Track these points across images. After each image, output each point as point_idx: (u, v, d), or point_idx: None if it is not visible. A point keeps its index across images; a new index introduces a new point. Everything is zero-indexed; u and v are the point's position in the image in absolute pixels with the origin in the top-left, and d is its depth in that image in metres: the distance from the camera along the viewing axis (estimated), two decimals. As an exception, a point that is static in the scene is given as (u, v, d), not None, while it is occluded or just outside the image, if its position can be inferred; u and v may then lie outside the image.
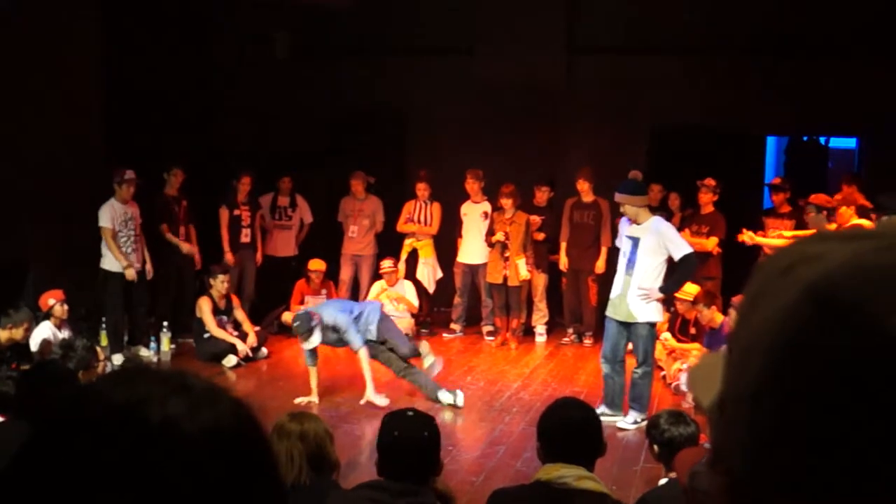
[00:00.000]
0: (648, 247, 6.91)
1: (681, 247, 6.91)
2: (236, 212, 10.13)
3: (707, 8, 10.71)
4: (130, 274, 8.69)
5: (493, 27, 11.08)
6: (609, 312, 7.20)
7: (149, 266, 9.11)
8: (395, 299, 10.16)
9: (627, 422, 7.09)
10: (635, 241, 6.98)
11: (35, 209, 8.36)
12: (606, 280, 9.01)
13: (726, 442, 0.65)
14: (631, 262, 6.99)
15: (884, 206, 7.28)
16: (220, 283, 9.18)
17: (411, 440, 3.11)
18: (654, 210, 10.22)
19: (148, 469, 0.70)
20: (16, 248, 8.27)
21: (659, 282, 6.95)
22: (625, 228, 7.16)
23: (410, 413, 3.29)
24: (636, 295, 6.93)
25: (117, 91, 9.21)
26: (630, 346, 7.25)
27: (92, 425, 0.72)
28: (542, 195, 10.21)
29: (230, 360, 8.84)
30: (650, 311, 6.99)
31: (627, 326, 7.07)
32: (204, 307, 9.12)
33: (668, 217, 10.28)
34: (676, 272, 7.02)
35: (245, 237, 10.20)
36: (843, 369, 0.56)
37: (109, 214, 8.63)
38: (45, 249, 8.51)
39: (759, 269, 0.67)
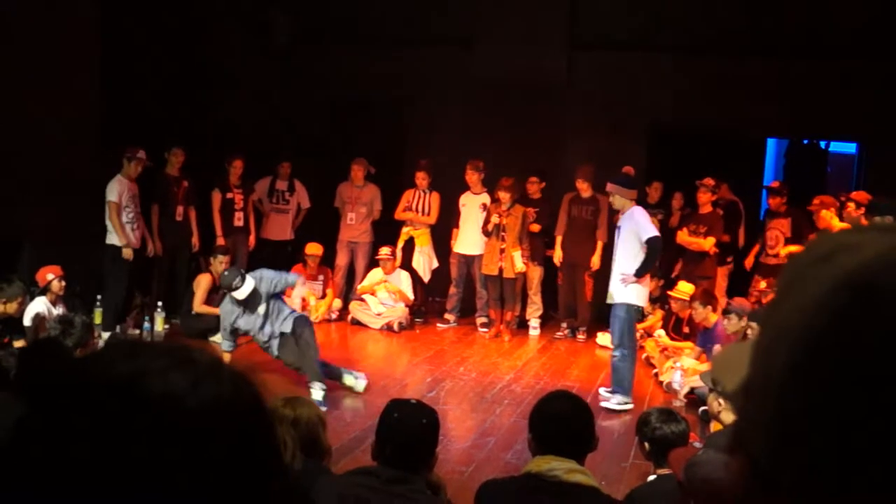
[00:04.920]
0: (625, 233, 7.42)
1: (647, 230, 7.36)
2: (229, 195, 10.10)
3: (709, 8, 10.70)
4: (128, 253, 8.68)
5: (494, 19, 11.05)
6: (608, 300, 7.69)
7: (150, 245, 9.17)
8: (392, 292, 10.17)
9: (612, 403, 7.43)
10: (618, 230, 7.57)
11: (32, 186, 8.34)
12: (602, 275, 9.02)
13: (750, 426, 0.65)
14: (616, 250, 7.55)
15: (877, 208, 7.41)
16: (218, 264, 9.20)
17: (409, 425, 3.14)
18: (653, 207, 10.30)
19: (149, 443, 0.69)
20: (12, 223, 8.25)
21: (635, 266, 7.39)
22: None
23: (414, 401, 3.36)
24: (616, 279, 7.44)
25: (116, 71, 9.17)
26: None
27: (93, 398, 0.72)
28: (532, 187, 10.22)
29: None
30: (627, 293, 7.40)
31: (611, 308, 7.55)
32: (202, 283, 9.16)
33: (668, 215, 10.33)
34: (645, 255, 7.39)
35: (238, 220, 10.18)
36: (877, 359, 0.56)
37: (118, 190, 8.63)
38: (42, 226, 8.48)
39: (794, 258, 0.66)
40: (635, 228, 7.35)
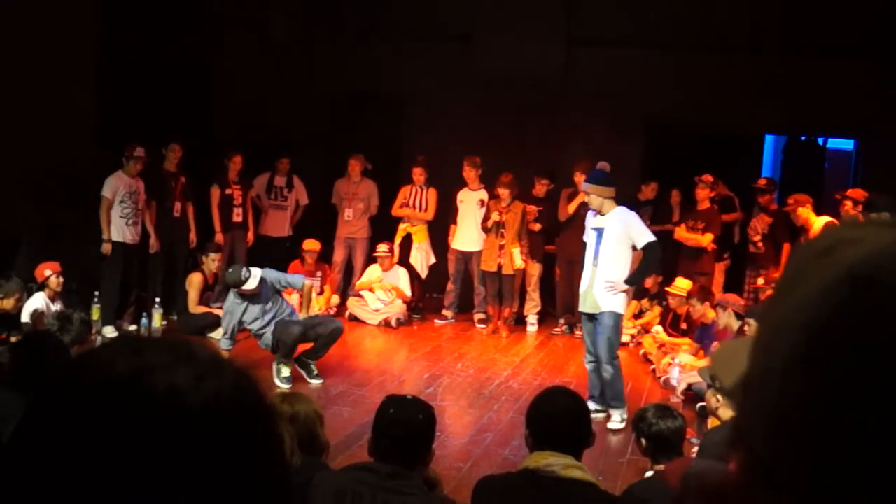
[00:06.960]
0: (612, 237, 6.76)
1: (644, 235, 6.76)
2: (227, 191, 10.09)
3: (707, 5, 10.70)
4: (106, 248, 8.71)
5: (493, 15, 11.04)
6: (580, 307, 7.05)
7: (152, 240, 9.21)
8: (389, 290, 10.17)
9: (616, 422, 6.92)
10: (599, 233, 6.83)
11: (29, 182, 8.33)
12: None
13: (750, 421, 0.65)
14: (596, 254, 6.84)
15: (874, 205, 7.43)
16: (210, 262, 9.22)
17: (405, 420, 3.14)
18: (648, 205, 10.31)
19: (153, 438, 0.70)
20: (9, 220, 8.24)
21: (625, 273, 6.79)
22: (590, 221, 7.00)
23: (410, 397, 3.37)
24: (602, 287, 6.77)
25: (113, 67, 9.16)
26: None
27: (96, 395, 0.72)
28: (541, 187, 10.18)
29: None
30: (615, 302, 6.80)
31: (594, 318, 6.92)
32: (195, 282, 9.16)
33: (668, 213, 10.35)
34: (641, 262, 6.92)
35: (237, 216, 10.17)
36: (878, 352, 0.56)
37: (113, 185, 8.70)
38: (38, 222, 8.48)
39: (795, 253, 0.66)
40: (626, 232, 6.73)
